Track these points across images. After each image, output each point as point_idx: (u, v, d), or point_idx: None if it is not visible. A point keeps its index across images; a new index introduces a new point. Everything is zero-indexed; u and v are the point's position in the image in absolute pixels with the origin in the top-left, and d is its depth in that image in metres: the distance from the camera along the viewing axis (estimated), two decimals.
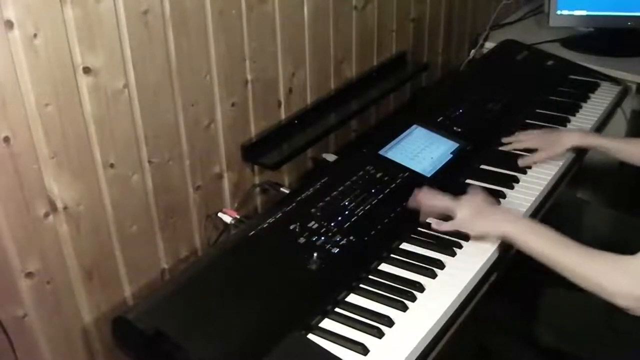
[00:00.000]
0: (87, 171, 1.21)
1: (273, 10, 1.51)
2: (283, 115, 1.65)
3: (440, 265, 1.27)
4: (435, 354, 1.15)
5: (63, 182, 1.17)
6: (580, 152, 1.67)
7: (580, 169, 1.74)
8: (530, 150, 1.62)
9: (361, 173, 1.50)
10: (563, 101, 1.92)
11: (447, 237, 1.34)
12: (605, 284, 1.12)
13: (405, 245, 1.34)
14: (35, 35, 1.05)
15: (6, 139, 1.06)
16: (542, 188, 1.52)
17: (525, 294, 1.49)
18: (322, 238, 1.30)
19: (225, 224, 1.49)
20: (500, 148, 1.67)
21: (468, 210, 1.29)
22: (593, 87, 2.01)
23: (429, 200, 1.35)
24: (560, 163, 1.61)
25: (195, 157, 1.42)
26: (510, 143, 1.67)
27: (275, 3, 1.50)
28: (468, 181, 1.54)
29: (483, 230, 1.29)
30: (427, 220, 1.36)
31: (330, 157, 1.67)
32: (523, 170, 1.58)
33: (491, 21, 2.40)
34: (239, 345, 1.08)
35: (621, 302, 1.11)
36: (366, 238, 1.33)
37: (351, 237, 1.32)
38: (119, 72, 1.21)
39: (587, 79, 2.05)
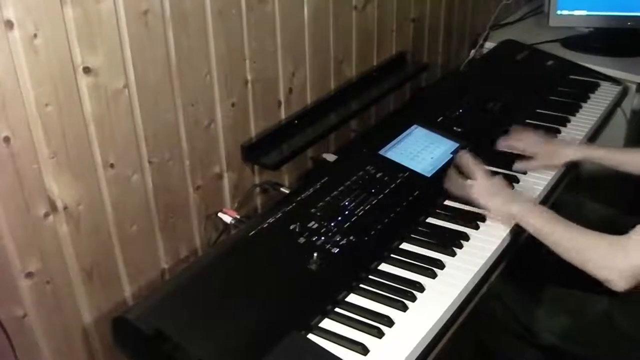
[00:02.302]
0: (87, 171, 1.21)
1: (273, 10, 1.51)
2: (283, 115, 1.65)
3: (440, 265, 1.27)
4: (435, 353, 1.15)
5: (63, 182, 1.17)
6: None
7: (580, 169, 1.74)
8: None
9: (361, 173, 1.50)
10: (563, 101, 1.92)
11: (447, 236, 1.35)
12: (595, 257, 1.19)
13: (405, 245, 1.34)
14: (35, 35, 1.05)
15: (6, 139, 1.06)
16: (542, 188, 1.52)
17: (525, 293, 1.49)
18: (322, 238, 1.30)
19: (225, 224, 1.49)
20: (497, 146, 1.66)
21: (484, 185, 1.38)
22: (593, 87, 2.01)
23: (466, 159, 1.45)
24: None
25: (195, 157, 1.42)
26: (506, 141, 1.67)
27: (275, 3, 1.50)
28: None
29: (491, 206, 1.37)
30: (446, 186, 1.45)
31: (330, 157, 1.67)
32: (523, 170, 1.58)
33: (491, 21, 2.40)
34: (239, 345, 1.08)
35: (605, 274, 1.18)
36: (366, 238, 1.33)
37: (351, 237, 1.32)
38: (119, 72, 1.21)
39: (587, 79, 2.06)
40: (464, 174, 1.45)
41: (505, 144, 1.65)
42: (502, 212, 1.36)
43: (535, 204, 1.38)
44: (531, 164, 1.58)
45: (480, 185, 1.39)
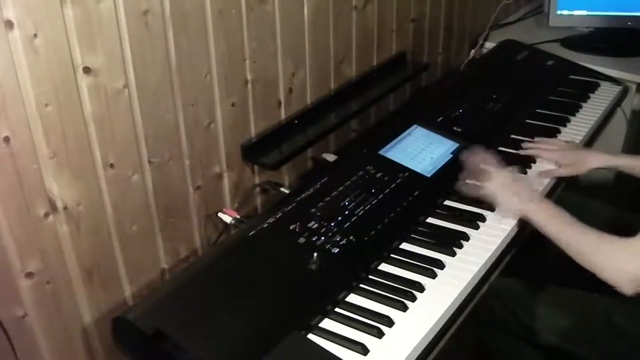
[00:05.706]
0: (87, 171, 1.21)
1: (273, 10, 1.51)
2: (283, 115, 1.65)
3: (440, 265, 1.27)
4: (435, 353, 1.15)
5: (63, 182, 1.17)
6: None
7: None
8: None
9: (361, 173, 1.50)
10: (563, 101, 1.92)
11: (447, 236, 1.35)
12: (603, 260, 1.20)
13: (405, 245, 1.34)
14: (35, 35, 1.05)
15: (6, 139, 1.06)
16: (542, 188, 1.52)
17: (525, 293, 1.49)
18: (322, 238, 1.30)
19: (225, 224, 1.49)
20: (522, 152, 1.66)
21: (498, 182, 1.38)
22: (593, 87, 2.01)
23: (478, 156, 1.45)
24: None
25: (195, 157, 1.42)
26: (530, 147, 1.67)
27: (275, 3, 1.50)
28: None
29: (505, 204, 1.37)
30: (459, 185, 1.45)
31: (330, 157, 1.67)
32: (523, 171, 1.58)
33: (491, 21, 2.40)
34: (239, 345, 1.08)
35: (613, 277, 1.18)
36: (366, 238, 1.33)
37: (351, 237, 1.32)
38: (119, 72, 1.21)
39: (587, 79, 2.06)
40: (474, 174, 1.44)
41: (529, 152, 1.65)
42: (515, 210, 1.36)
43: (549, 202, 1.37)
44: (556, 172, 1.59)
45: (490, 190, 1.38)
